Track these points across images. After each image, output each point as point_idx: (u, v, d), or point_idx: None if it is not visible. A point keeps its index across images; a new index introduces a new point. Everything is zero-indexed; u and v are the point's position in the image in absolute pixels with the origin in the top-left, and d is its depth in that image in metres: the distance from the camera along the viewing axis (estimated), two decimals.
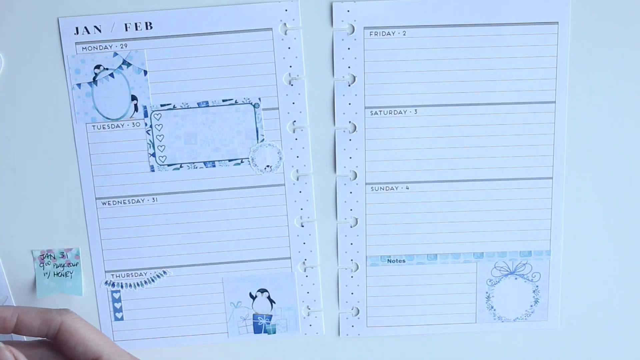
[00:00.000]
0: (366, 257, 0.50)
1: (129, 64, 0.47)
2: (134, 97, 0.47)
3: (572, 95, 0.48)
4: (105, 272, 0.49)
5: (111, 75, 0.47)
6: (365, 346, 0.52)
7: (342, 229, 0.50)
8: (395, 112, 0.48)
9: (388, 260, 0.50)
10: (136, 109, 0.47)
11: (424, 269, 0.50)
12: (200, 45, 0.46)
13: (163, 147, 0.48)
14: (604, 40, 0.47)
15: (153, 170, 0.48)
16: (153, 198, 0.48)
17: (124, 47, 0.46)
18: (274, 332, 0.51)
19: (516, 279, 0.51)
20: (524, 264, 0.50)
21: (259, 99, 0.47)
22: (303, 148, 0.48)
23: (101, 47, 0.46)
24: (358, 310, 0.51)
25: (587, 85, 0.48)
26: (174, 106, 0.47)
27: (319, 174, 0.49)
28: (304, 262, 0.50)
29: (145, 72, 0.47)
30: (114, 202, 0.48)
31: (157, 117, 0.47)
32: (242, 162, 0.48)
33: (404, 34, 0.47)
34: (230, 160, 0.48)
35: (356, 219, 0.50)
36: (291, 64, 0.47)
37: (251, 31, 0.46)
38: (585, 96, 0.48)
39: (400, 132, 0.48)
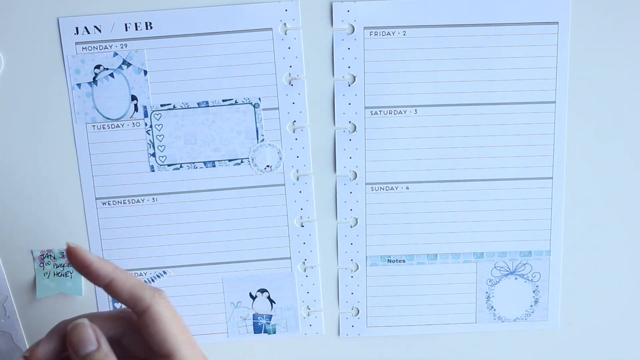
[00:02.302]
0: (366, 257, 0.50)
1: (129, 64, 0.47)
2: (134, 97, 0.47)
3: (572, 95, 0.48)
4: None
5: (111, 75, 0.47)
6: (365, 346, 0.52)
7: (342, 229, 0.50)
8: (395, 112, 0.48)
9: (388, 260, 0.50)
10: (136, 109, 0.47)
11: (424, 269, 0.50)
12: (200, 45, 0.46)
13: (163, 147, 0.48)
14: (604, 40, 0.47)
15: (153, 170, 0.48)
16: (153, 198, 0.48)
17: (124, 47, 0.46)
18: (274, 332, 0.51)
19: (516, 279, 0.51)
20: (524, 264, 0.50)
21: (259, 99, 0.47)
22: (303, 148, 0.48)
23: (101, 47, 0.46)
24: (358, 310, 0.51)
25: (587, 85, 0.48)
26: (174, 106, 0.47)
27: (319, 174, 0.49)
28: (304, 262, 0.50)
29: (145, 72, 0.47)
30: (114, 202, 0.48)
31: (157, 117, 0.47)
32: (242, 162, 0.48)
33: (404, 34, 0.47)
34: (230, 160, 0.48)
35: (356, 219, 0.50)
36: (291, 64, 0.47)
37: (251, 31, 0.46)
38: (585, 96, 0.48)
39: (400, 132, 0.48)
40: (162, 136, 0.48)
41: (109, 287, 0.38)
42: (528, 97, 0.48)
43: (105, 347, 0.37)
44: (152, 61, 0.47)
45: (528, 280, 0.51)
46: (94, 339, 0.37)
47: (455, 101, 0.48)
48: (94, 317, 0.39)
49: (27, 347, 0.50)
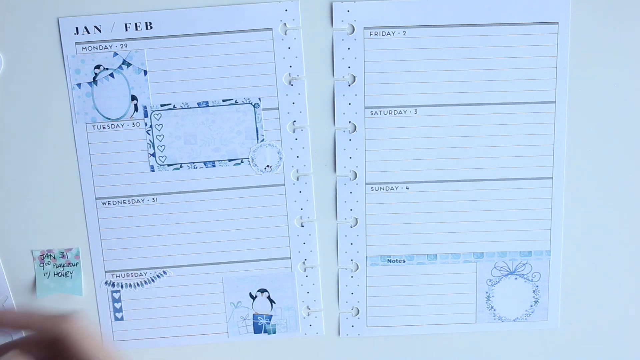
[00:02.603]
0: (366, 257, 0.50)
1: (129, 64, 0.47)
2: (134, 97, 0.47)
3: (572, 95, 0.48)
4: (105, 272, 0.49)
5: (111, 75, 0.47)
6: (365, 346, 0.52)
7: (342, 229, 0.50)
8: (395, 112, 0.48)
9: (388, 260, 0.50)
10: (136, 109, 0.47)
11: (424, 269, 0.50)
12: (200, 45, 0.46)
13: (163, 147, 0.48)
14: (604, 40, 0.47)
15: (153, 170, 0.48)
16: (153, 198, 0.48)
17: (124, 47, 0.46)
18: (274, 332, 0.51)
19: (516, 279, 0.51)
20: (524, 264, 0.50)
21: (259, 99, 0.47)
22: (303, 148, 0.48)
23: (101, 47, 0.46)
24: (358, 310, 0.51)
25: (587, 85, 0.48)
26: (174, 106, 0.47)
27: (319, 174, 0.49)
28: (304, 262, 0.50)
29: (145, 72, 0.47)
30: (114, 202, 0.48)
31: (157, 117, 0.47)
32: (242, 162, 0.48)
33: (404, 34, 0.47)
34: (230, 160, 0.48)
35: (356, 219, 0.50)
36: (291, 64, 0.47)
37: (251, 31, 0.46)
38: (585, 96, 0.48)
39: (400, 132, 0.48)
40: (162, 136, 0.48)
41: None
42: (528, 97, 0.48)
43: None
44: (152, 61, 0.47)
45: (528, 280, 0.51)
46: None
47: (455, 101, 0.48)
48: (23, 344, 0.39)
49: None
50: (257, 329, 0.51)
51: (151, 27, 0.46)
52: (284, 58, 0.47)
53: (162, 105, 0.47)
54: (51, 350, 0.40)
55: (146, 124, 0.48)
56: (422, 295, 0.51)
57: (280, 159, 0.48)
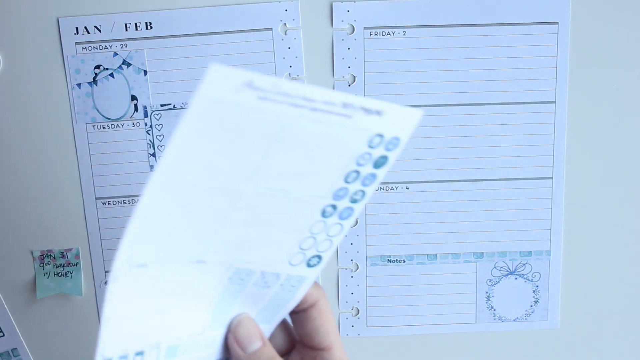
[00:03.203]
0: (366, 257, 0.50)
1: (129, 64, 0.47)
2: (134, 97, 0.47)
3: (572, 95, 0.48)
4: (105, 272, 0.49)
5: (111, 75, 0.47)
6: (365, 346, 0.52)
7: None
8: None
9: (388, 260, 0.50)
10: (136, 109, 0.47)
11: (424, 269, 0.50)
12: (200, 45, 0.46)
13: (163, 147, 0.48)
14: (604, 40, 0.47)
15: (153, 170, 0.48)
16: None
17: (124, 47, 0.46)
18: None
19: (516, 279, 0.51)
20: (524, 264, 0.50)
21: None
22: None
23: (101, 47, 0.46)
24: (358, 310, 0.51)
25: (587, 85, 0.48)
26: (174, 106, 0.47)
27: None
28: None
29: (145, 72, 0.47)
30: (114, 202, 0.48)
31: (157, 117, 0.47)
32: None
33: (404, 34, 0.47)
34: None
35: (356, 219, 0.49)
36: (291, 64, 0.47)
37: (251, 31, 0.46)
38: (585, 96, 0.48)
39: None
40: (162, 136, 0.48)
41: None
42: (528, 97, 0.48)
43: (269, 343, 0.36)
44: (152, 61, 0.47)
45: (528, 280, 0.51)
46: (259, 335, 0.36)
47: (455, 101, 0.48)
48: None
49: (25, 349, 0.50)
50: None
51: (151, 27, 0.46)
52: (284, 58, 0.47)
53: (162, 105, 0.47)
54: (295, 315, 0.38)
55: (146, 124, 0.48)
56: (422, 295, 0.51)
57: None
